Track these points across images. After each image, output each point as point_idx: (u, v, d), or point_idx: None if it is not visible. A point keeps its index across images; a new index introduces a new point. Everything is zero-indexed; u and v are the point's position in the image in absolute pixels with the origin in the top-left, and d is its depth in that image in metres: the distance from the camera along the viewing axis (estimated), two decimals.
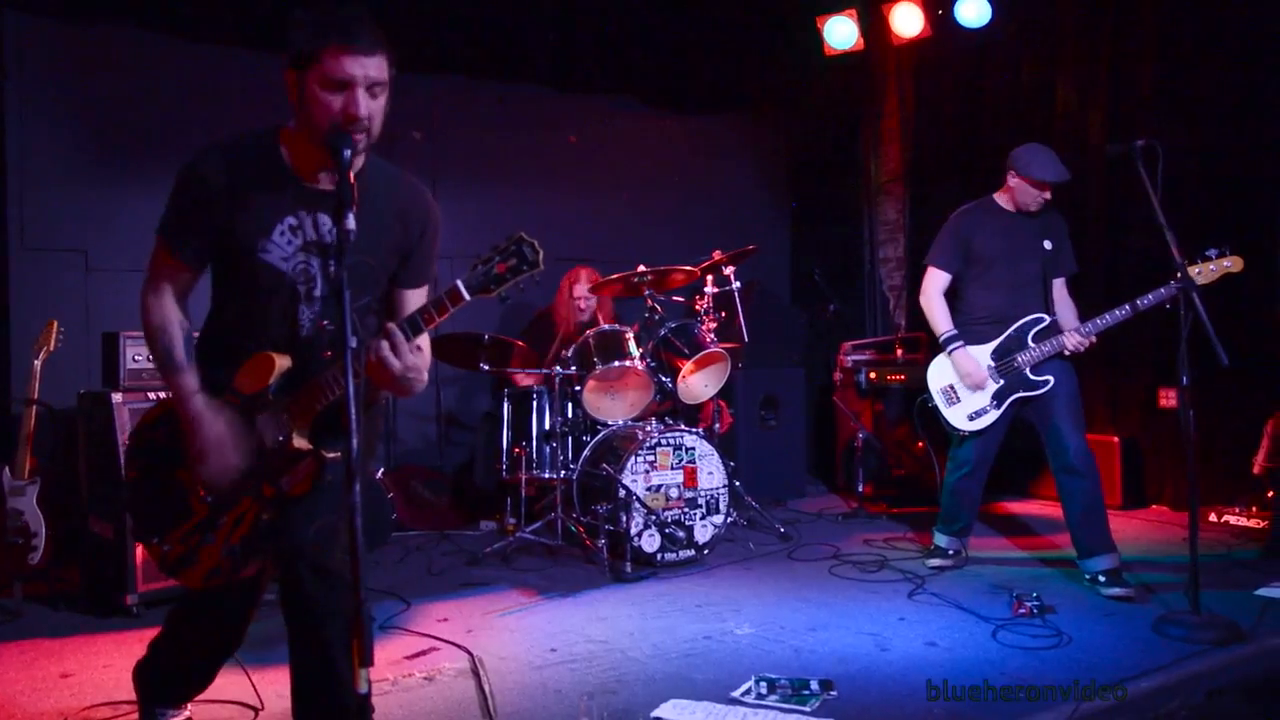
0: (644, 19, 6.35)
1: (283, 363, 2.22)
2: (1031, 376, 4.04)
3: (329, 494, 2.25)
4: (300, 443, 2.22)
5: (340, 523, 2.27)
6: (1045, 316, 4.11)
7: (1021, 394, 4.07)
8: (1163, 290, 3.70)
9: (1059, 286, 4.22)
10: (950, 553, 4.33)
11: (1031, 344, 4.05)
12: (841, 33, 6.43)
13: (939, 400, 4.23)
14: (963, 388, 4.17)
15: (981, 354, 4.15)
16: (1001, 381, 4.10)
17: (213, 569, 2.28)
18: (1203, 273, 3.68)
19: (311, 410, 2.21)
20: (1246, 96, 5.16)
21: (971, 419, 4.16)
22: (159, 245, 2.25)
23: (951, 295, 4.29)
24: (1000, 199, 4.23)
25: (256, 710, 2.81)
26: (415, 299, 2.44)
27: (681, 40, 6.62)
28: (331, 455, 2.21)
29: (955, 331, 4.19)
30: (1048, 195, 4.09)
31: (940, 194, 6.98)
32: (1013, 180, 4.12)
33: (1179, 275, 3.48)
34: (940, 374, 4.24)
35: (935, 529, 4.40)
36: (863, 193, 7.57)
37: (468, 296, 2.11)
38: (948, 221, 4.32)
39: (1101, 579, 3.86)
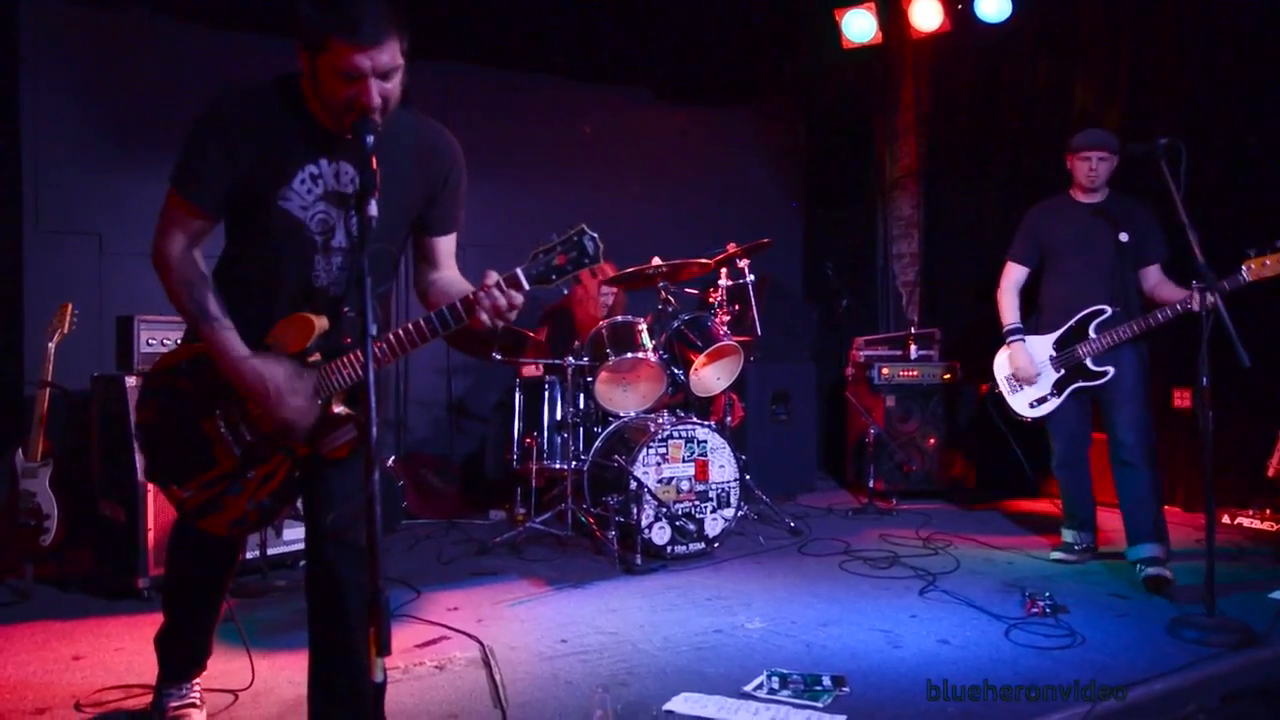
0: (660, 9, 6.32)
1: (321, 323, 2.22)
2: (1091, 367, 4.13)
3: (358, 469, 2.24)
4: (340, 408, 2.22)
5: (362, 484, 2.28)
6: (1107, 308, 4.12)
7: (1081, 384, 4.17)
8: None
9: (1153, 273, 4.20)
10: (1075, 547, 4.38)
11: (1093, 334, 4.12)
12: (859, 26, 6.38)
13: (1004, 388, 4.38)
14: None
15: (1044, 344, 4.26)
16: (1061, 371, 4.21)
17: (238, 519, 2.28)
18: (1271, 264, 3.69)
19: (347, 382, 2.21)
20: (1266, 95, 5.11)
21: (1033, 406, 4.29)
22: (173, 197, 2.20)
23: (1036, 286, 4.41)
24: (1073, 191, 4.30)
25: (236, 693, 2.82)
26: (446, 246, 2.45)
27: (698, 32, 6.59)
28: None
29: (1017, 324, 4.34)
30: (1092, 165, 4.13)
31: (955, 190, 6.98)
32: (1069, 162, 4.23)
33: (1201, 276, 3.44)
34: (1005, 363, 4.39)
35: (1063, 523, 4.50)
36: (877, 187, 7.53)
37: (527, 286, 2.11)
38: (1024, 216, 4.46)
39: (1139, 566, 3.96)
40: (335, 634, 2.25)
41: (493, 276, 2.12)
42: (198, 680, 2.67)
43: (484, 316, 2.11)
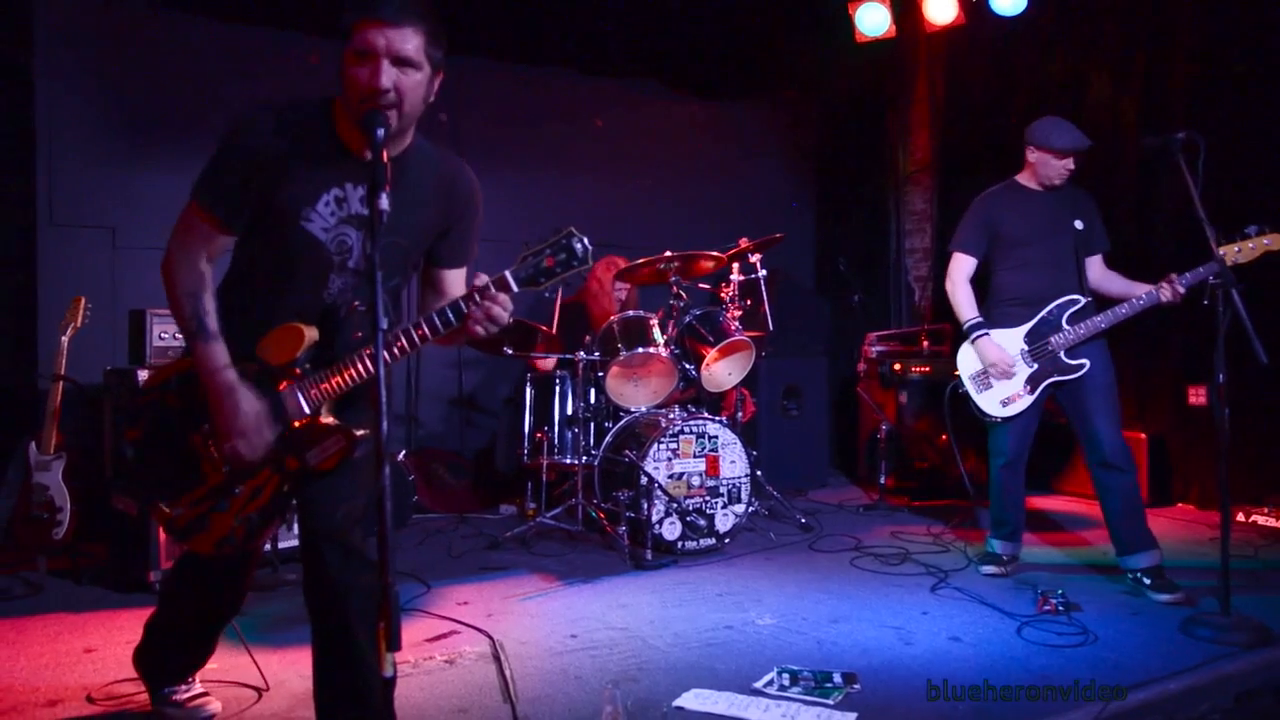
0: (672, 1, 6.29)
1: (311, 334, 2.21)
2: (1066, 360, 3.90)
3: (354, 472, 2.24)
4: (328, 418, 2.21)
5: (364, 502, 2.27)
6: (1080, 298, 3.94)
7: (1056, 378, 3.92)
8: (1189, 275, 3.68)
9: (1097, 264, 4.06)
10: (1004, 558, 4.10)
11: (1066, 326, 3.90)
12: (873, 19, 6.35)
13: (970, 387, 4.07)
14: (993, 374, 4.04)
15: (1013, 337, 4.00)
16: (1035, 365, 3.95)
17: (225, 537, 2.25)
18: (1241, 250, 3.61)
19: (339, 390, 2.20)
20: None
21: (1004, 404, 4.00)
22: (193, 207, 2.19)
23: (984, 279, 4.15)
24: (1023, 179, 4.09)
25: (261, 691, 2.81)
26: (454, 279, 2.44)
27: (709, 24, 6.57)
28: (360, 433, 2.20)
29: (979, 319, 4.06)
30: (1070, 166, 3.95)
31: (969, 184, 6.82)
32: (1033, 155, 3.99)
33: (1218, 271, 3.41)
34: (970, 361, 4.09)
35: (989, 534, 4.19)
36: (890, 182, 7.49)
37: (515, 288, 2.11)
38: (971, 205, 4.19)
39: (1146, 580, 3.74)
40: (336, 636, 2.24)
41: (482, 279, 2.12)
42: (196, 681, 2.68)
43: (475, 324, 2.11)
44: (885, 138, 7.50)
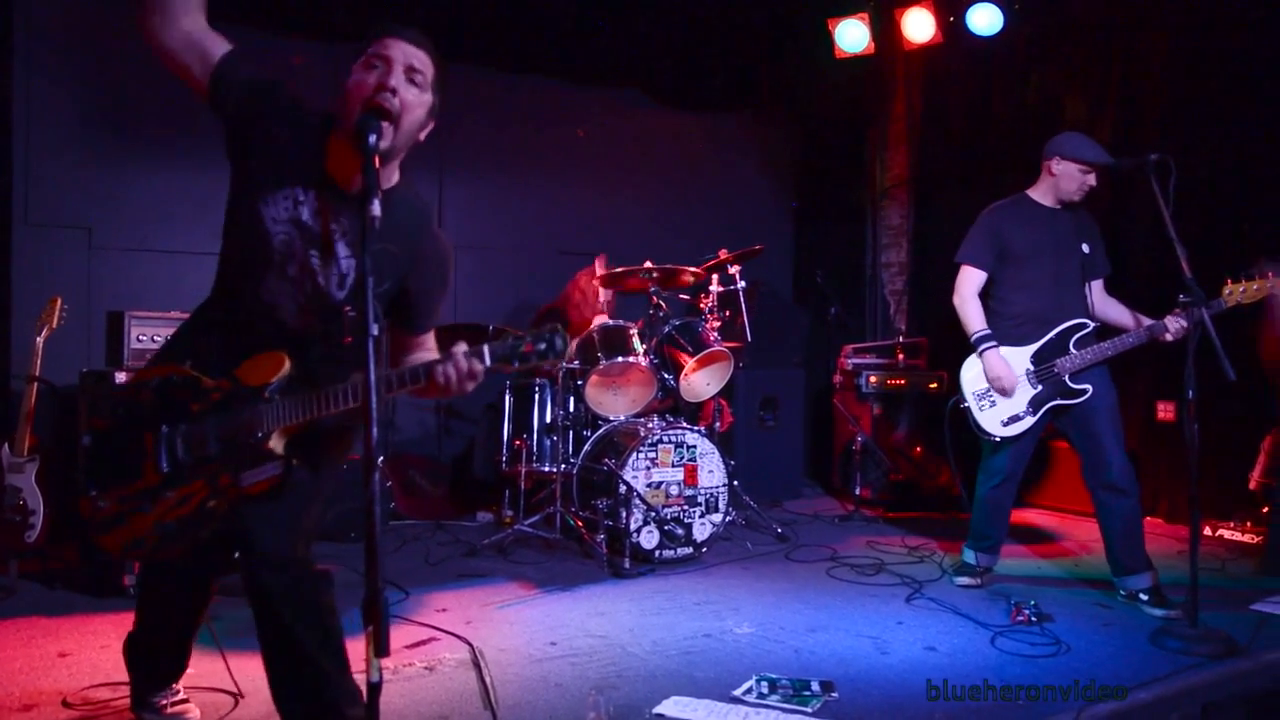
0: (656, 13, 6.34)
1: (288, 366, 2.23)
2: (1070, 384, 3.87)
3: (290, 493, 2.21)
4: (276, 445, 2.19)
5: (300, 511, 2.26)
6: (1088, 322, 3.92)
7: (1058, 402, 3.89)
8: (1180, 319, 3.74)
9: (1098, 289, 4.06)
10: (980, 570, 4.13)
11: (1074, 350, 3.88)
12: (852, 36, 6.43)
13: (972, 403, 4.00)
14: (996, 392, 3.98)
15: (1020, 356, 3.94)
16: (1039, 388, 3.91)
17: (135, 540, 2.25)
18: (1246, 291, 3.65)
19: (298, 425, 2.18)
20: (1256, 114, 5.17)
21: (1006, 424, 3.94)
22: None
23: (985, 294, 4.06)
24: (1036, 193, 4.02)
25: (237, 698, 2.79)
26: (427, 344, 2.47)
27: (692, 36, 6.62)
28: (298, 464, 2.21)
29: (988, 331, 3.96)
30: (1093, 181, 3.90)
31: (945, 200, 7.02)
32: (1058, 166, 3.90)
33: (1189, 292, 3.47)
34: (975, 377, 4.00)
35: (965, 545, 4.19)
36: (867, 196, 7.58)
37: (488, 362, 2.14)
38: (979, 217, 4.10)
39: (1144, 597, 3.78)
40: (281, 647, 2.21)
41: (461, 347, 2.15)
42: (179, 689, 2.67)
43: (441, 379, 2.14)
44: (864, 153, 7.59)
